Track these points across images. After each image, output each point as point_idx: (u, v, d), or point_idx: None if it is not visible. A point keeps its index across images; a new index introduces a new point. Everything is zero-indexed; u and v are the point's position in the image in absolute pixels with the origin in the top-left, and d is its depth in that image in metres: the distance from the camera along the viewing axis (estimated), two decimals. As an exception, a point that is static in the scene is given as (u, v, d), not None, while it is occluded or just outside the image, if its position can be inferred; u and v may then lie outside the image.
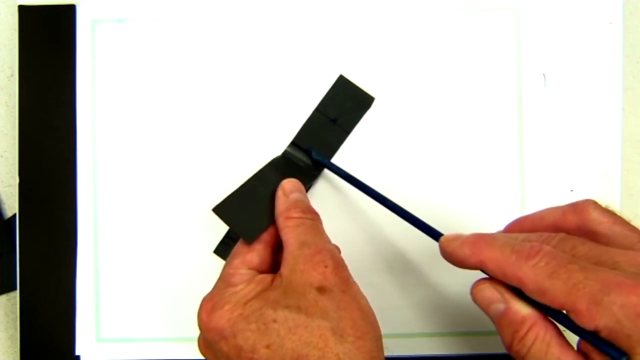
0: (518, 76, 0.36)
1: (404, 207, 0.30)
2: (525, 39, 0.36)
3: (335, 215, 0.35)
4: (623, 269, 0.21)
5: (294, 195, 0.30)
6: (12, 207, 0.38)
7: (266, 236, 0.29)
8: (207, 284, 0.35)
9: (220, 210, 0.30)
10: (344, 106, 0.35)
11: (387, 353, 0.35)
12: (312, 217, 0.29)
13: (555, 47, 0.36)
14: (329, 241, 0.29)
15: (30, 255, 0.36)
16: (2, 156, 0.38)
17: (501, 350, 0.35)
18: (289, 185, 0.31)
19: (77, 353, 0.36)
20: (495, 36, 0.36)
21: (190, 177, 0.36)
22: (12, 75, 0.38)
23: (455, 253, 0.25)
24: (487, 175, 0.36)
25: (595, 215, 0.24)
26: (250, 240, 0.29)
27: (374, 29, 0.36)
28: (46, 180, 0.36)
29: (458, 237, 0.25)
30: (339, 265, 0.26)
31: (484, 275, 0.24)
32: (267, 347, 0.24)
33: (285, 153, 0.35)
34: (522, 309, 0.23)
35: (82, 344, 0.36)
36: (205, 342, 0.27)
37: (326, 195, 0.36)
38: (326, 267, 0.26)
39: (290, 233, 0.28)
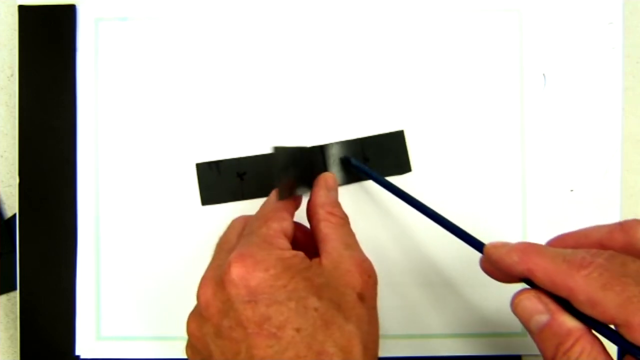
0: (520, 76, 0.36)
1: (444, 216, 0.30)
2: (527, 40, 0.36)
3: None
4: None
5: (335, 193, 0.30)
6: (12, 207, 0.38)
7: (291, 207, 0.29)
8: (207, 284, 0.35)
9: (278, 152, 0.29)
10: (383, 157, 0.35)
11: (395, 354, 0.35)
12: (349, 222, 0.29)
13: (556, 47, 0.36)
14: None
15: (30, 255, 0.36)
16: (2, 156, 0.38)
17: (500, 352, 0.35)
18: (332, 181, 0.30)
19: (77, 352, 0.36)
20: (498, 37, 0.36)
21: (191, 176, 0.36)
22: (12, 75, 0.38)
23: (503, 260, 0.24)
24: (488, 175, 0.36)
25: None
26: (281, 197, 0.28)
27: (377, 30, 0.36)
28: (46, 180, 0.36)
29: (505, 245, 0.25)
30: (376, 282, 0.26)
31: (524, 286, 0.24)
32: (297, 330, 0.22)
33: (325, 147, 0.35)
34: (568, 321, 0.22)
35: (82, 343, 0.36)
36: (217, 301, 0.24)
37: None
38: (369, 277, 0.25)
39: (333, 228, 0.27)
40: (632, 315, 0.20)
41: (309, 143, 0.36)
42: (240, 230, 0.28)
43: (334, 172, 0.35)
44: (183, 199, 0.36)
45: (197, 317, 0.25)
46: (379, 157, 0.35)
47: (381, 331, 0.35)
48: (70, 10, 0.36)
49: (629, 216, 0.37)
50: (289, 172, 0.29)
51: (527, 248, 0.24)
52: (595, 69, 0.36)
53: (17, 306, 0.36)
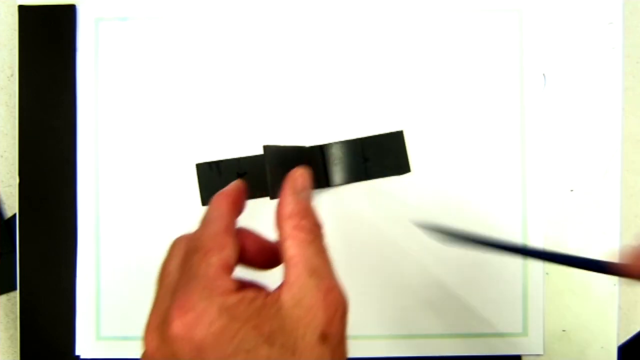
0: (520, 76, 0.36)
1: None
2: (527, 40, 0.36)
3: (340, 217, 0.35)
4: None
5: (305, 196, 0.26)
6: (12, 207, 0.38)
7: (232, 224, 0.25)
8: (207, 284, 0.35)
9: (268, 150, 0.28)
10: (382, 157, 0.35)
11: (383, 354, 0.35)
12: (323, 233, 0.25)
13: (556, 47, 0.36)
14: (336, 272, 0.25)
15: (30, 255, 0.36)
16: (2, 156, 0.38)
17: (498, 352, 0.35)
18: (302, 180, 0.27)
19: (77, 352, 0.36)
20: (498, 37, 0.36)
21: (191, 176, 0.36)
22: (12, 75, 0.38)
23: None
24: (488, 175, 0.36)
25: None
26: (273, 196, 0.27)
27: (376, 30, 0.36)
28: (46, 180, 0.36)
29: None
30: (347, 313, 0.23)
31: None
32: None
33: (325, 147, 0.35)
34: None
35: (82, 343, 0.36)
36: (161, 356, 0.22)
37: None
38: (336, 311, 0.23)
39: (299, 248, 0.24)
40: None
41: (309, 143, 0.36)
42: (181, 258, 0.25)
43: (334, 172, 0.35)
44: (183, 199, 0.36)
45: None
46: (378, 157, 0.35)
47: (382, 331, 0.35)
48: (70, 10, 0.36)
49: (629, 216, 0.37)
50: (280, 170, 0.29)
51: None
52: (595, 69, 0.36)
53: (17, 306, 0.36)
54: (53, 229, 0.36)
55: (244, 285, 0.23)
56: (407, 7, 0.36)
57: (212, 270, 0.23)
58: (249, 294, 0.23)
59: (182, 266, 0.24)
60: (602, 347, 0.36)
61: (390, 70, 0.36)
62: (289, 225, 0.25)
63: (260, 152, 0.36)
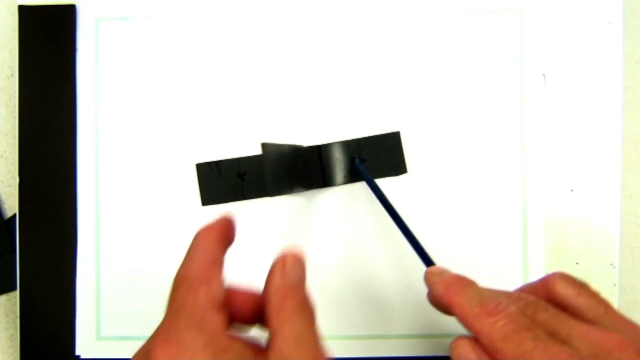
0: (521, 77, 0.36)
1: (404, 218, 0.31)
2: (527, 40, 0.36)
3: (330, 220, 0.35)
4: (573, 343, 0.22)
5: (296, 273, 0.24)
6: (12, 207, 0.38)
7: (219, 258, 0.24)
8: (207, 284, 0.35)
9: (266, 148, 0.28)
10: (379, 158, 0.35)
11: (371, 354, 0.35)
12: (312, 307, 0.24)
13: (556, 47, 0.36)
14: (323, 341, 0.23)
15: (30, 255, 0.36)
16: (2, 156, 0.38)
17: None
18: (293, 260, 0.24)
19: (77, 352, 0.36)
20: (498, 37, 0.36)
21: (191, 176, 0.36)
22: (12, 75, 0.38)
23: (432, 288, 0.26)
24: (488, 175, 0.36)
25: (560, 288, 0.25)
26: (271, 193, 0.27)
27: (376, 30, 0.36)
28: (46, 180, 0.36)
29: (441, 273, 0.26)
30: None
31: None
32: None
33: (322, 147, 0.35)
34: None
35: (82, 343, 0.36)
36: None
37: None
38: None
39: (285, 320, 0.22)
40: None
41: (307, 143, 0.36)
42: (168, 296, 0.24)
43: (331, 173, 0.35)
44: (183, 199, 0.36)
45: None
46: (375, 158, 0.35)
47: (382, 331, 0.35)
48: (70, 10, 0.36)
49: (629, 216, 0.37)
50: (278, 168, 0.29)
51: (454, 283, 0.25)
52: (595, 69, 0.36)
53: (17, 306, 0.36)
54: (53, 229, 0.36)
55: (232, 336, 0.22)
56: (406, 7, 0.36)
57: (200, 306, 0.22)
58: (238, 344, 0.21)
59: (168, 302, 0.23)
60: (602, 347, 0.36)
61: (390, 70, 0.36)
62: (276, 298, 0.23)
63: (260, 152, 0.36)
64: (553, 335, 0.22)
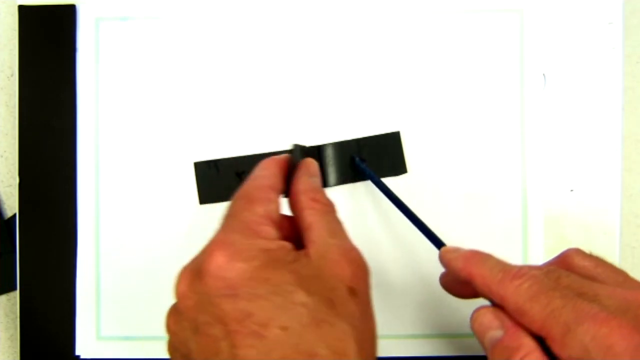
0: (521, 77, 0.36)
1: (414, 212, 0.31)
2: (527, 40, 0.36)
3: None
4: (602, 301, 0.21)
5: (318, 180, 0.27)
6: (12, 207, 0.38)
7: (279, 185, 0.26)
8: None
9: (296, 149, 0.29)
10: (379, 158, 0.35)
11: (387, 354, 0.35)
12: (336, 209, 0.26)
13: (556, 47, 0.36)
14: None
15: (30, 255, 0.36)
16: (2, 156, 0.38)
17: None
18: (314, 167, 0.27)
19: (77, 352, 0.36)
20: (498, 37, 0.36)
21: (191, 175, 0.36)
22: (12, 75, 0.38)
23: (450, 264, 0.26)
24: (488, 175, 0.36)
25: (577, 261, 0.25)
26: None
27: (376, 30, 0.36)
28: (46, 180, 0.36)
29: (456, 250, 0.26)
30: (368, 273, 0.24)
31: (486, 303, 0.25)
32: (283, 328, 0.20)
33: (322, 148, 0.35)
34: (521, 337, 0.22)
35: (82, 343, 0.36)
36: (193, 293, 0.22)
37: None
38: (358, 268, 0.23)
39: (318, 216, 0.24)
40: (553, 329, 0.21)
41: (307, 142, 0.36)
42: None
43: (330, 173, 0.35)
44: (184, 200, 0.36)
45: (174, 312, 0.23)
46: (375, 158, 0.35)
47: (381, 331, 0.35)
48: (70, 10, 0.36)
49: (629, 216, 0.37)
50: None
51: (472, 256, 0.25)
52: (595, 69, 0.36)
53: (17, 306, 0.36)
54: (53, 229, 0.36)
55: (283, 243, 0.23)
56: (406, 7, 0.36)
57: (255, 217, 0.23)
58: (288, 244, 0.23)
59: (226, 214, 0.24)
60: (602, 347, 0.36)
61: (390, 70, 0.36)
62: (306, 197, 0.25)
63: (259, 151, 0.36)
64: (580, 296, 0.22)
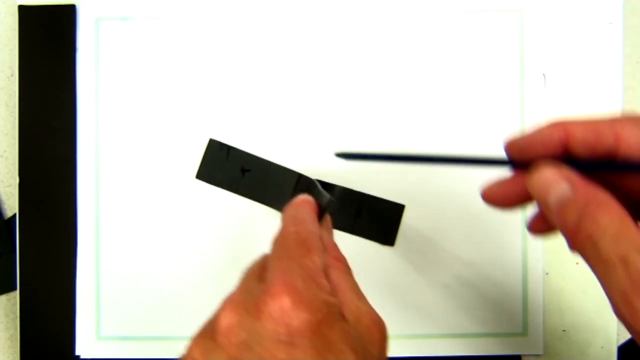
0: (521, 77, 0.36)
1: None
2: (528, 40, 0.36)
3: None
4: None
5: (333, 236, 0.28)
6: (12, 207, 0.38)
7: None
8: (207, 283, 0.35)
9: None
10: (373, 220, 0.35)
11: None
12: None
13: (556, 47, 0.36)
14: None
15: (30, 255, 0.36)
16: (2, 156, 0.38)
17: (494, 352, 0.35)
18: (331, 224, 0.28)
19: (77, 352, 0.36)
20: (499, 37, 0.36)
21: (192, 174, 0.36)
22: (12, 75, 0.38)
23: (534, 138, 0.22)
24: (489, 174, 0.36)
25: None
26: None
27: (376, 30, 0.36)
28: (46, 180, 0.36)
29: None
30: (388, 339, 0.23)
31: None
32: None
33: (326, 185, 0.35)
34: (594, 189, 0.19)
35: (82, 343, 0.36)
36: (242, 331, 0.20)
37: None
38: (384, 335, 0.23)
39: (343, 276, 0.24)
40: None
41: (306, 142, 0.36)
42: (275, 248, 0.24)
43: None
44: (184, 200, 0.36)
45: (205, 341, 0.21)
46: (370, 218, 0.35)
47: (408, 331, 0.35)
48: (70, 10, 0.36)
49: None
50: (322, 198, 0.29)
51: (559, 119, 0.22)
52: (595, 69, 0.36)
53: (17, 306, 0.36)
54: (53, 229, 0.36)
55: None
56: (406, 7, 0.36)
57: (316, 267, 0.22)
58: (337, 300, 0.22)
59: (280, 250, 0.23)
60: (602, 347, 0.36)
61: (390, 70, 0.36)
62: (329, 255, 0.25)
63: (264, 156, 0.36)
64: None
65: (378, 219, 0.35)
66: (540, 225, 0.24)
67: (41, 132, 0.36)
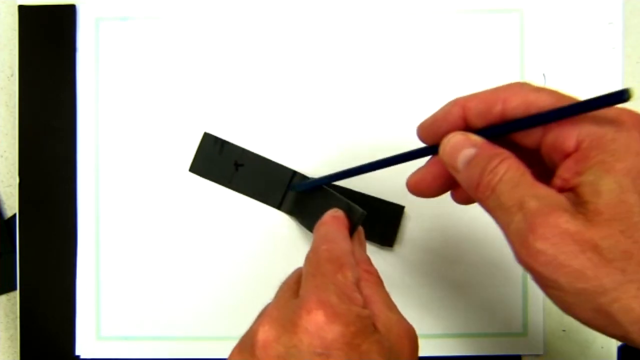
0: (521, 77, 0.36)
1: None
2: (528, 40, 0.36)
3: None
4: None
5: (365, 249, 0.29)
6: (12, 207, 0.38)
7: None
8: (207, 283, 0.35)
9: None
10: (373, 221, 0.34)
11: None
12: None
13: (556, 47, 0.36)
14: None
15: (30, 255, 0.36)
16: (2, 156, 0.38)
17: (498, 352, 0.35)
18: (363, 236, 0.30)
19: (77, 352, 0.36)
20: (499, 37, 0.36)
21: (192, 175, 0.36)
22: (12, 75, 0.38)
23: (437, 119, 0.25)
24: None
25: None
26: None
27: (376, 30, 0.36)
28: (46, 180, 0.36)
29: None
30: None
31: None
32: None
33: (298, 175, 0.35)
34: (495, 148, 0.22)
35: (82, 343, 0.36)
36: (279, 345, 0.21)
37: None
38: (414, 345, 0.24)
39: (374, 288, 0.25)
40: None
41: (306, 142, 0.36)
42: (308, 267, 0.25)
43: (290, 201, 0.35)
44: (184, 200, 0.36)
45: (244, 356, 0.22)
46: (370, 219, 0.35)
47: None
48: (70, 10, 0.36)
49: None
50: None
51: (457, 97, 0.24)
52: (595, 69, 0.36)
53: (17, 306, 0.36)
54: (53, 229, 0.36)
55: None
56: (406, 7, 0.36)
57: (349, 283, 0.23)
58: (371, 312, 0.23)
59: (312, 268, 0.24)
60: (602, 347, 0.36)
61: (389, 70, 0.36)
62: (360, 268, 0.26)
63: (261, 153, 0.36)
64: None
65: (377, 220, 0.35)
66: (463, 193, 0.26)
67: (41, 132, 0.36)
